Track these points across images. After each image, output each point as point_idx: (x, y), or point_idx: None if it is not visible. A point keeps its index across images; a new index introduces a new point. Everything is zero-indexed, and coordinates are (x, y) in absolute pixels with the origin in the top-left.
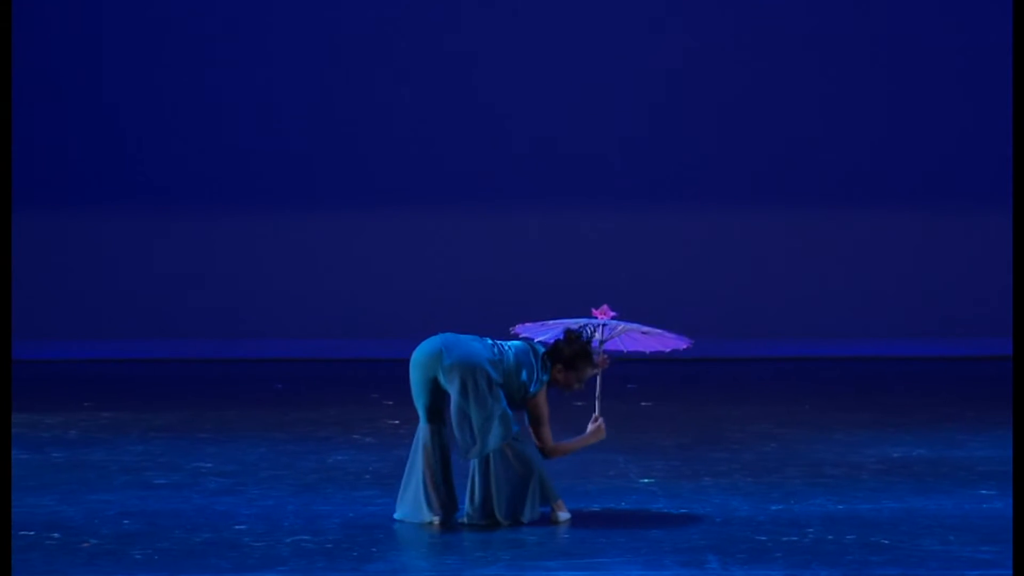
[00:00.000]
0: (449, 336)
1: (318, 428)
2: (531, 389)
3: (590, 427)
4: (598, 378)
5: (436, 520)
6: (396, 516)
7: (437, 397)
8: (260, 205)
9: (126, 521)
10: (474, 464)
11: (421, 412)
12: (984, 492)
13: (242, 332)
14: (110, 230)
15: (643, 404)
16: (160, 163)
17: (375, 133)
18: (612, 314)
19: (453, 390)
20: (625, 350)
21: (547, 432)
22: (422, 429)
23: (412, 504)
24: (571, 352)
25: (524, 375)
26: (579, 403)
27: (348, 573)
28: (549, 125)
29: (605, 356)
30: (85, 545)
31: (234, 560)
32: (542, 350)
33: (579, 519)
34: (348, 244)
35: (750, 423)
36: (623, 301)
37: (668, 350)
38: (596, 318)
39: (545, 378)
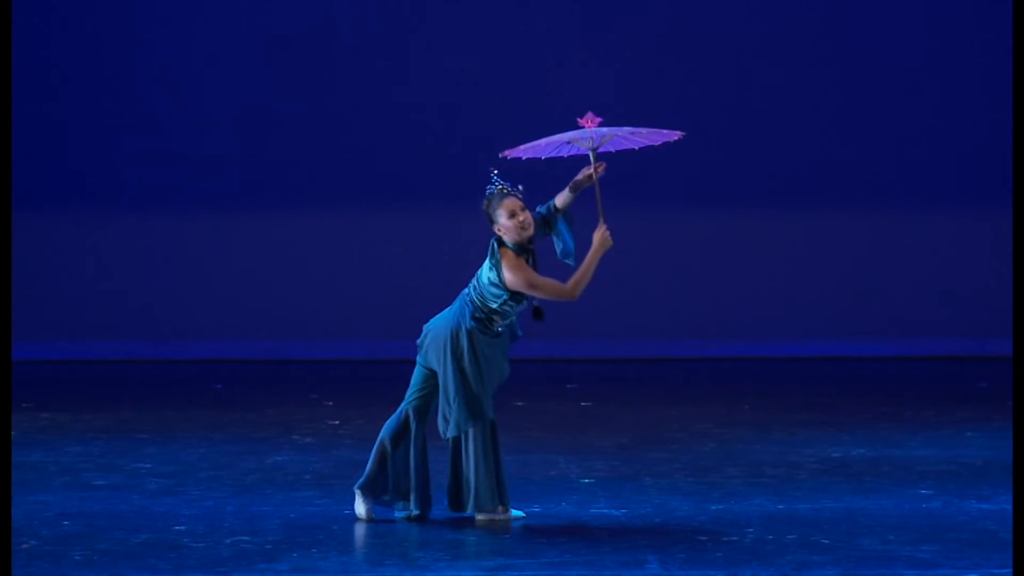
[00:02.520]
0: (431, 320)
1: (257, 429)
2: (500, 279)
3: (595, 237)
4: (596, 187)
5: (363, 510)
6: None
7: (428, 388)
8: (196, 206)
9: (65, 522)
10: (449, 456)
11: (410, 402)
12: (923, 492)
13: (181, 333)
14: (44, 231)
15: (583, 404)
16: (94, 165)
17: (309, 134)
18: (598, 120)
19: (438, 369)
20: (613, 151)
21: (550, 283)
22: (398, 416)
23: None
24: (486, 212)
25: (493, 274)
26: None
27: (288, 574)
28: (483, 127)
29: (602, 163)
30: (24, 546)
31: (174, 561)
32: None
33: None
34: (286, 245)
35: (689, 423)
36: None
37: (660, 143)
38: (583, 127)
39: (493, 268)
